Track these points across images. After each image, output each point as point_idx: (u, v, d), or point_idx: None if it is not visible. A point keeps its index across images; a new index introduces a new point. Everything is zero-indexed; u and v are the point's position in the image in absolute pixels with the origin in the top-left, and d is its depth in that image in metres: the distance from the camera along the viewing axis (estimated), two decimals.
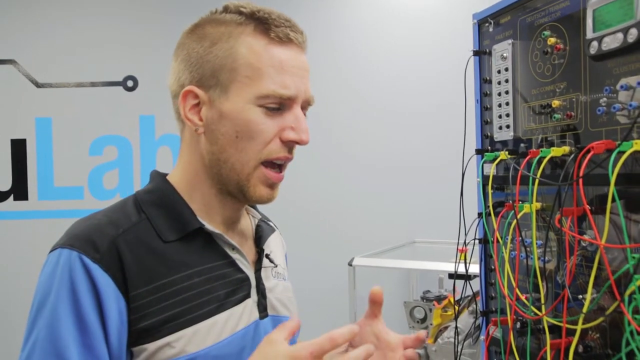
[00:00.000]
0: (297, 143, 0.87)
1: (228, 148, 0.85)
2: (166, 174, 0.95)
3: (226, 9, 0.89)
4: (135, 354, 0.79)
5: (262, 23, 0.85)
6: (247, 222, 1.01)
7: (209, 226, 0.88)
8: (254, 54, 0.84)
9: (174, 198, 0.89)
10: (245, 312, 0.89)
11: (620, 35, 0.79)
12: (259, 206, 1.08)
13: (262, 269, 0.95)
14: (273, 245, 1.04)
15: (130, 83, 3.24)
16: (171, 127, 3.69)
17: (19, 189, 3.20)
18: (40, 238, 3.19)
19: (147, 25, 3.28)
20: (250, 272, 0.92)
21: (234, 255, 0.91)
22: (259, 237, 0.99)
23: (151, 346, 0.78)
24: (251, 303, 0.91)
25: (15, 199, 3.20)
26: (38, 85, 3.21)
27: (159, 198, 0.89)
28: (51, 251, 0.81)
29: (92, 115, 3.22)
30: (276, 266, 1.01)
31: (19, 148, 3.20)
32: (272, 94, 0.83)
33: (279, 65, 0.84)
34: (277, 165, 0.88)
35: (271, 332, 0.77)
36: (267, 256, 0.98)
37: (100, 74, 3.23)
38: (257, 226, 1.01)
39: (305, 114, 0.90)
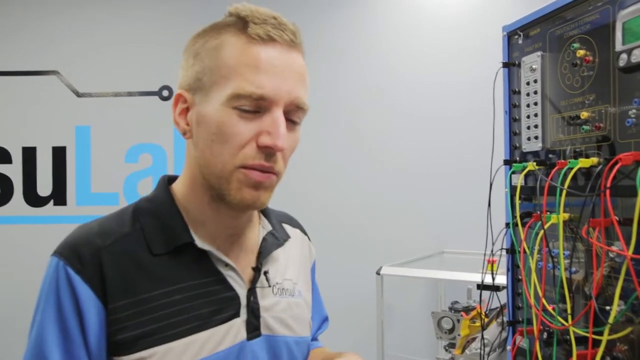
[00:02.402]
0: (271, 149, 0.77)
1: (206, 152, 0.80)
2: (174, 180, 0.92)
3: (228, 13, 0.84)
4: None
5: (243, 22, 0.79)
6: (255, 235, 0.94)
7: (199, 242, 0.84)
8: (231, 54, 0.78)
9: (169, 208, 0.86)
10: (230, 333, 0.84)
11: None
12: (285, 212, 1.08)
13: (260, 287, 0.89)
14: (284, 259, 0.97)
15: (165, 93, 3.33)
16: None
17: (59, 195, 3.32)
18: None
19: (182, 37, 3.36)
20: (242, 290, 0.87)
21: (226, 272, 0.86)
22: (260, 253, 0.91)
23: (126, 359, 0.77)
24: (239, 323, 0.85)
25: (55, 204, 3.32)
26: (79, 94, 3.34)
27: (156, 208, 0.86)
28: (51, 255, 0.81)
29: (129, 123, 3.33)
30: (278, 283, 0.94)
31: (59, 155, 3.32)
32: (244, 94, 0.76)
33: (254, 64, 0.77)
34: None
35: None
36: (265, 274, 0.91)
37: (136, 84, 3.34)
38: (263, 239, 0.93)
39: (297, 120, 0.83)
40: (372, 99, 3.16)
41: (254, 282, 0.88)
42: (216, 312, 0.83)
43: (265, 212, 0.98)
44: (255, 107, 0.77)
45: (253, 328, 0.87)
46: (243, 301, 0.86)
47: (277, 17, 0.80)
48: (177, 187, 0.89)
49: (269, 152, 0.78)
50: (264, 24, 0.78)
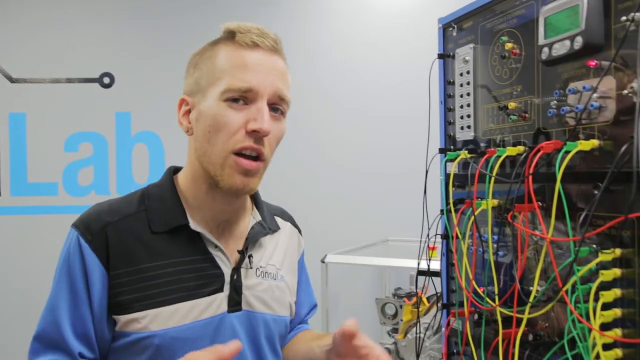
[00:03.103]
0: (257, 132, 0.92)
1: (204, 143, 0.95)
2: (179, 170, 1.07)
3: None
4: (115, 321, 0.94)
5: (232, 33, 0.97)
6: (245, 223, 1.08)
7: (193, 224, 0.99)
8: (222, 59, 0.95)
9: (171, 194, 1.02)
10: (213, 305, 0.98)
11: (567, 42, 0.84)
12: (276, 205, 1.23)
13: (244, 268, 1.03)
14: (271, 246, 1.12)
15: (106, 80, 3.23)
16: (147, 123, 3.65)
17: None
18: (13, 234, 3.17)
19: (124, 23, 3.27)
20: (227, 269, 1.00)
21: (215, 253, 1.00)
22: (247, 239, 1.06)
23: (123, 318, 0.93)
24: (222, 297, 0.99)
25: None
26: (12, 80, 3.18)
27: (160, 193, 1.03)
28: (71, 226, 0.98)
29: (68, 111, 3.21)
30: (262, 267, 1.07)
31: None
32: (231, 87, 0.92)
33: (242, 65, 0.93)
34: (250, 156, 0.95)
35: (199, 352, 0.83)
36: (249, 257, 1.05)
37: (76, 70, 3.22)
38: (252, 227, 1.08)
39: (281, 111, 0.98)
40: (318, 96, 3.17)
41: (239, 263, 1.03)
42: (202, 285, 0.97)
43: (258, 205, 1.13)
44: (243, 98, 0.93)
45: (234, 303, 1.00)
46: (227, 279, 1.00)
47: (259, 27, 0.97)
48: (180, 177, 1.05)
49: (256, 135, 0.93)
50: (248, 33, 0.95)
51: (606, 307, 0.76)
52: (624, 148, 0.74)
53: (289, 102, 0.99)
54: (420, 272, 1.29)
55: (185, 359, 0.83)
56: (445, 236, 1.18)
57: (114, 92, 3.23)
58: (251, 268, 1.05)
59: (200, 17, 3.20)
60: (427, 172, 1.18)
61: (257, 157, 0.95)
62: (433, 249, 1.22)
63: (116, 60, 3.23)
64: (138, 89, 3.21)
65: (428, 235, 1.16)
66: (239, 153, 0.93)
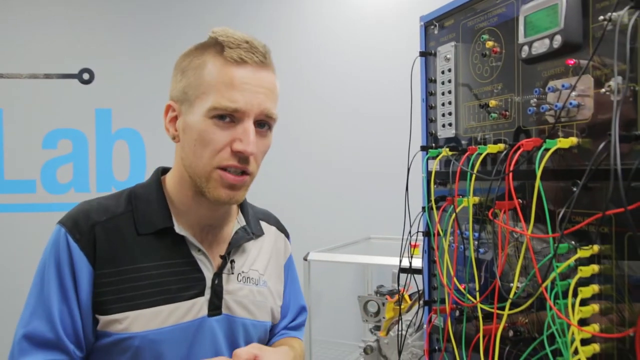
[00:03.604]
0: (242, 153, 0.93)
1: (190, 154, 0.96)
2: (167, 171, 1.08)
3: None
4: (98, 320, 0.95)
5: (220, 46, 0.95)
6: (230, 228, 1.09)
7: (178, 227, 1.00)
8: (211, 73, 0.94)
9: (158, 197, 1.03)
10: (194, 308, 0.99)
11: (547, 41, 0.85)
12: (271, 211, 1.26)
13: (226, 273, 1.04)
14: (255, 251, 1.12)
15: (86, 76, 3.18)
16: (128, 121, 3.60)
17: None
18: None
19: (104, 18, 3.22)
20: (209, 273, 1.02)
21: (198, 257, 1.01)
22: (230, 244, 1.06)
23: (105, 318, 0.94)
24: (202, 301, 1.00)
25: None
26: None
27: (148, 194, 1.03)
28: (57, 223, 0.98)
29: (46, 107, 3.15)
30: (244, 272, 1.08)
31: None
32: (219, 107, 0.92)
33: (229, 83, 0.93)
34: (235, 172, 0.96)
35: None
36: (232, 262, 1.06)
37: (55, 66, 3.16)
38: (235, 233, 1.08)
39: (268, 126, 0.99)
40: (301, 94, 3.16)
41: (221, 268, 1.03)
42: (184, 289, 0.98)
43: (243, 209, 1.13)
44: (230, 118, 0.93)
45: (214, 307, 1.01)
46: (208, 283, 1.01)
47: (249, 41, 0.96)
48: (168, 180, 1.06)
49: (240, 156, 0.94)
50: (237, 48, 0.94)
51: (584, 302, 0.77)
52: (601, 146, 0.75)
53: (276, 119, 1.00)
54: (402, 270, 1.30)
55: None
56: (427, 233, 1.19)
57: (94, 88, 3.18)
58: (232, 273, 1.05)
59: (184, 14, 3.17)
60: (409, 169, 1.18)
61: (243, 172, 0.96)
62: (415, 246, 1.23)
63: (96, 56, 3.18)
64: (119, 85, 3.17)
65: (410, 232, 1.17)
66: (224, 169, 0.95)
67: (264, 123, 0.98)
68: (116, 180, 3.16)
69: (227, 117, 0.93)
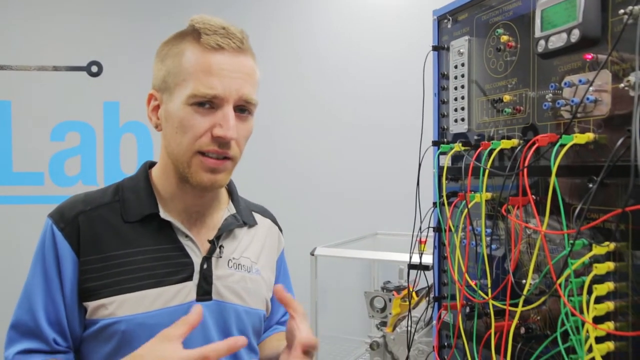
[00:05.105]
0: (222, 138, 0.94)
1: (172, 142, 0.97)
2: (154, 164, 1.09)
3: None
4: (86, 308, 0.95)
5: (197, 33, 0.96)
6: (219, 216, 1.09)
7: (164, 214, 1.00)
8: (189, 60, 0.95)
9: (144, 186, 1.04)
10: (181, 293, 0.99)
11: (564, 35, 0.83)
12: (255, 201, 1.25)
13: (216, 258, 1.03)
14: (247, 240, 1.11)
15: (94, 68, 3.18)
16: (136, 114, 3.59)
17: None
18: None
19: (113, 10, 3.22)
20: (197, 258, 1.01)
21: (185, 242, 1.01)
22: (219, 229, 1.06)
23: (91, 304, 0.94)
24: (191, 285, 1.00)
25: None
26: None
27: (134, 185, 1.05)
28: (47, 216, 1.00)
29: (55, 100, 3.15)
30: (235, 259, 1.07)
31: None
32: (198, 94, 0.93)
33: (207, 69, 0.93)
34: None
35: (169, 327, 0.83)
36: (220, 247, 1.05)
37: (63, 58, 3.16)
38: (225, 219, 1.08)
39: (248, 111, 0.99)
40: (309, 88, 3.15)
41: (209, 253, 1.03)
42: (171, 273, 0.98)
43: (234, 200, 1.14)
44: (210, 104, 0.94)
45: (204, 292, 1.01)
46: (197, 268, 1.01)
47: (225, 27, 0.96)
48: (154, 170, 1.07)
49: (221, 141, 0.94)
50: (214, 35, 0.94)
51: (599, 300, 0.77)
52: (620, 141, 0.74)
53: (256, 104, 0.99)
54: (412, 266, 1.29)
55: (158, 336, 0.82)
56: (438, 229, 1.18)
57: (102, 81, 3.18)
58: (221, 257, 1.05)
59: (193, 7, 3.16)
60: (420, 165, 1.17)
61: (225, 157, 0.97)
62: (423, 242, 1.22)
63: (105, 48, 3.18)
64: (127, 78, 3.16)
65: (420, 228, 1.16)
66: (204, 153, 0.95)
67: (244, 108, 0.98)
68: (123, 173, 3.16)
69: (207, 103, 0.94)
